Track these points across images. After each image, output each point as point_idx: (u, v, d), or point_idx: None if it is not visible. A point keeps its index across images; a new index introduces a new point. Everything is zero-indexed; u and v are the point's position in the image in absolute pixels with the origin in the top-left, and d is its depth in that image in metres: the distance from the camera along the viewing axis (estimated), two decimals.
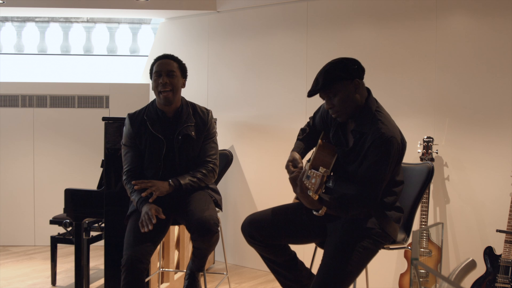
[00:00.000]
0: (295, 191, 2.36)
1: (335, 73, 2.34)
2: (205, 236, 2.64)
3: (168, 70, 2.80)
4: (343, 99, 2.36)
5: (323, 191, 2.35)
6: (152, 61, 2.90)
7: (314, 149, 2.58)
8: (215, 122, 3.06)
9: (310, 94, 2.41)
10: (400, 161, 2.41)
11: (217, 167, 2.95)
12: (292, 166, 2.51)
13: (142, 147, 2.87)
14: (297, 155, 2.57)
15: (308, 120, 2.77)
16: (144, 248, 2.64)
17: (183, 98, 2.94)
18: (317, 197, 2.21)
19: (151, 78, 2.88)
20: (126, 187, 2.88)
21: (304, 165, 2.50)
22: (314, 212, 2.35)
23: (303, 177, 2.29)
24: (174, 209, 2.83)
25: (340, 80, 2.34)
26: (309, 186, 2.23)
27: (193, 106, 2.95)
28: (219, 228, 2.70)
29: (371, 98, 2.43)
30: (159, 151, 2.83)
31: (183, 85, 2.90)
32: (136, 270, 2.60)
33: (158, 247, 3.48)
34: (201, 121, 2.91)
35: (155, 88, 2.83)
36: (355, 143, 2.38)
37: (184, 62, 2.93)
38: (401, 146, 2.37)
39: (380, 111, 2.40)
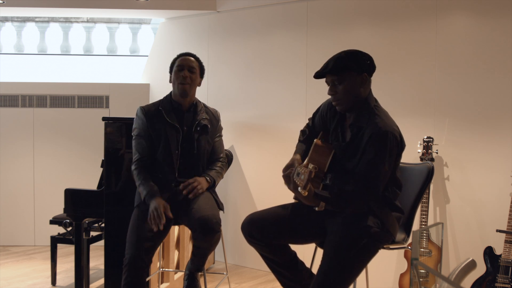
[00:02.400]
0: (289, 188, 2.40)
1: (347, 62, 2.37)
2: (207, 235, 2.68)
3: (190, 65, 2.98)
4: (347, 89, 2.38)
5: (321, 183, 2.37)
6: (174, 57, 3.05)
7: (310, 150, 2.58)
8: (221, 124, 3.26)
9: (317, 75, 2.44)
10: (399, 155, 2.42)
11: (226, 158, 3.15)
12: (285, 169, 2.50)
13: (155, 138, 2.93)
14: (298, 156, 2.58)
15: (307, 121, 2.77)
16: (146, 248, 2.68)
17: (196, 97, 3.09)
18: (306, 193, 2.23)
19: (170, 72, 3.03)
20: (135, 177, 2.91)
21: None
22: (315, 208, 2.36)
23: (294, 174, 2.32)
24: (175, 209, 2.84)
25: (349, 70, 2.37)
26: (298, 183, 2.26)
27: (204, 104, 3.12)
28: (221, 228, 2.73)
29: (371, 95, 2.46)
30: (176, 140, 2.91)
31: (199, 84, 3.08)
32: (138, 269, 2.65)
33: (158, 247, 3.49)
34: (213, 117, 3.10)
35: (175, 80, 2.97)
36: (353, 137, 2.40)
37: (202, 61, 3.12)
38: (399, 139, 2.37)
39: (378, 107, 2.43)
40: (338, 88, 2.39)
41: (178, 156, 2.90)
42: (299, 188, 2.24)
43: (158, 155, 2.93)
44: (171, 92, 3.04)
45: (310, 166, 2.23)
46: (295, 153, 2.64)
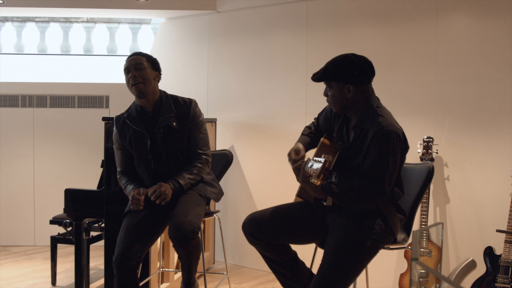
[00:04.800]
0: (298, 180, 2.41)
1: (333, 71, 2.41)
2: (181, 242, 2.60)
3: (135, 64, 2.82)
4: (334, 96, 2.45)
5: (326, 180, 2.37)
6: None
7: (316, 148, 2.59)
8: (200, 114, 2.99)
9: (313, 77, 2.50)
10: (403, 154, 2.42)
11: (210, 157, 2.95)
12: (295, 153, 2.55)
13: (127, 146, 2.90)
14: (301, 146, 2.61)
15: (313, 120, 2.79)
16: (134, 246, 2.66)
17: (162, 91, 2.94)
18: (319, 182, 2.22)
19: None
20: (121, 185, 2.92)
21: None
22: (323, 202, 2.37)
23: (306, 165, 2.33)
24: (167, 210, 2.82)
25: (336, 80, 2.41)
26: (311, 173, 2.26)
27: (174, 98, 2.93)
28: (198, 235, 2.64)
29: (373, 96, 2.46)
30: (144, 146, 2.84)
31: (157, 78, 2.91)
32: (126, 267, 2.63)
33: (158, 247, 3.49)
34: (183, 111, 2.88)
35: (127, 83, 2.85)
36: (356, 138, 2.41)
37: (155, 57, 2.96)
38: (402, 138, 2.38)
39: (381, 108, 2.44)
40: (328, 92, 2.47)
41: (151, 162, 2.81)
42: (311, 179, 2.24)
43: (135, 164, 2.90)
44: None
45: (324, 156, 2.24)
46: (298, 142, 2.66)
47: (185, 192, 2.81)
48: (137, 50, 6.02)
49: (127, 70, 2.83)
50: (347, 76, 2.39)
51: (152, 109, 2.87)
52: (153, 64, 2.89)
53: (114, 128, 2.93)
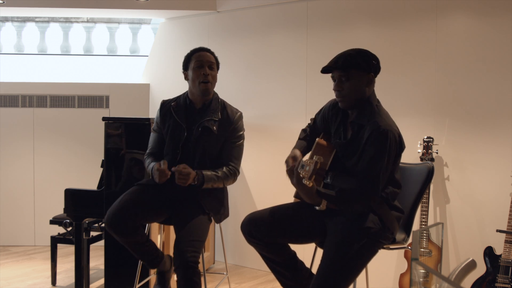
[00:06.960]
0: (292, 182, 2.40)
1: (357, 60, 2.39)
2: (183, 274, 2.54)
3: (210, 62, 2.85)
4: (354, 86, 2.40)
5: (323, 180, 2.36)
6: (187, 52, 2.92)
7: (312, 148, 2.59)
8: (242, 129, 2.99)
9: (325, 70, 2.45)
10: (399, 155, 2.42)
11: (238, 172, 2.91)
12: (292, 160, 2.54)
13: (164, 132, 2.90)
14: (298, 152, 2.60)
15: (309, 121, 2.78)
16: (129, 208, 2.65)
17: (216, 94, 2.97)
18: (311, 184, 2.23)
19: (185, 70, 2.89)
20: (145, 165, 2.90)
21: None
22: (316, 207, 2.36)
23: (298, 167, 2.33)
24: (171, 209, 2.81)
25: (358, 68, 2.39)
26: (303, 174, 2.25)
27: (223, 103, 2.95)
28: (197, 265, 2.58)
29: (374, 95, 2.48)
30: (178, 138, 2.83)
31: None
32: (118, 225, 2.62)
33: (158, 247, 3.48)
34: (227, 119, 2.88)
35: (195, 78, 2.83)
36: (353, 135, 2.42)
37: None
38: (398, 139, 2.39)
39: (380, 107, 2.45)
40: (344, 84, 2.41)
41: (178, 157, 2.80)
42: (303, 180, 2.24)
43: (164, 152, 2.89)
44: (187, 90, 2.94)
45: (315, 157, 2.24)
46: (295, 148, 2.65)
47: (204, 187, 2.73)
48: (138, 50, 6.05)
49: (200, 64, 2.82)
50: (370, 64, 2.40)
51: (200, 106, 2.88)
52: (218, 65, 2.94)
53: (158, 111, 2.95)
